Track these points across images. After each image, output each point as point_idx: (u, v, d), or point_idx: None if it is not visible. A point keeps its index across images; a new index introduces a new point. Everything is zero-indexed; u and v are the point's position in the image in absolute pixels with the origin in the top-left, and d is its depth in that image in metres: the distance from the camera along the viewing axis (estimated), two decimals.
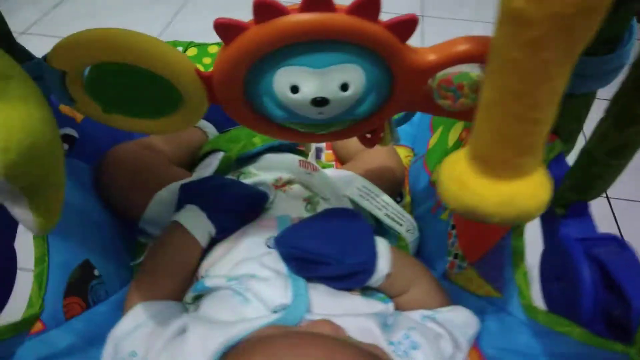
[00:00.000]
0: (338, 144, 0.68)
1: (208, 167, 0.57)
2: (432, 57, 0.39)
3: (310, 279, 0.42)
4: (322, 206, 0.53)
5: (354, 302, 0.42)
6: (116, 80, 0.41)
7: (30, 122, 0.27)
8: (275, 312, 0.39)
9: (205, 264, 0.47)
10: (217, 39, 0.38)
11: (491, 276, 0.46)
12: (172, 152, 0.61)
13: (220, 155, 0.58)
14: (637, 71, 0.28)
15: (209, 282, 0.42)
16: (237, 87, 0.41)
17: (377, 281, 0.43)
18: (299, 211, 0.51)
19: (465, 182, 0.30)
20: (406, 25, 0.37)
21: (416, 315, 0.42)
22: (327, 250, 0.41)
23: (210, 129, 0.69)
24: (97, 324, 0.45)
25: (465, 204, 0.30)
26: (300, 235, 0.42)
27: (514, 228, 0.45)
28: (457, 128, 0.60)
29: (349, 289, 0.43)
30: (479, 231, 0.48)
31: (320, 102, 0.39)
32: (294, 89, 0.38)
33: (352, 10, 0.35)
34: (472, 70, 0.42)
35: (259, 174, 0.55)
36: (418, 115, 0.57)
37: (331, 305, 0.40)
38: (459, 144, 0.58)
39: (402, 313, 0.43)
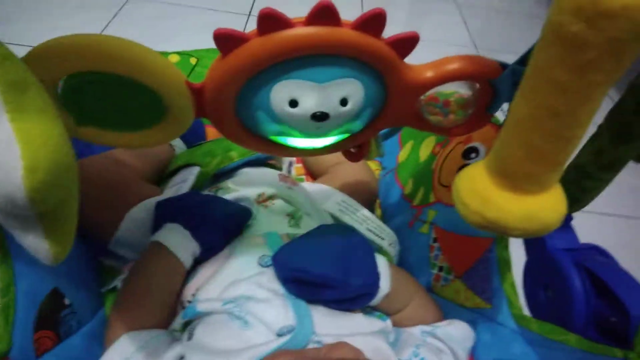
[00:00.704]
0: (309, 158, 0.68)
1: (183, 183, 0.54)
2: (429, 74, 0.39)
3: (310, 300, 0.40)
4: (305, 221, 0.51)
5: (355, 320, 0.41)
6: (95, 89, 0.38)
7: (52, 137, 0.24)
8: (280, 335, 0.37)
9: (190, 287, 0.44)
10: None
11: (479, 287, 0.47)
12: (139, 167, 0.57)
13: (195, 170, 0.55)
14: (636, 90, 0.30)
15: (201, 307, 0.40)
16: (230, 100, 0.39)
17: (377, 301, 0.43)
18: (282, 227, 0.50)
19: (488, 197, 0.30)
20: (407, 43, 0.37)
21: (415, 330, 0.42)
22: (331, 272, 0.39)
23: (178, 142, 0.65)
24: (73, 359, 0.41)
25: (488, 218, 0.30)
26: (299, 255, 0.40)
27: (499, 239, 0.46)
28: (429, 142, 0.62)
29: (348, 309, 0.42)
30: (464, 244, 0.49)
31: (320, 116, 0.38)
32: (293, 103, 0.37)
33: (358, 26, 0.35)
34: (446, 88, 0.44)
35: (238, 189, 0.53)
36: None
37: (334, 325, 0.39)
38: (431, 157, 0.59)
39: (402, 330, 0.42)
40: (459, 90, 0.43)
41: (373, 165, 0.72)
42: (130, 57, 0.35)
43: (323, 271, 0.39)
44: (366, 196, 0.61)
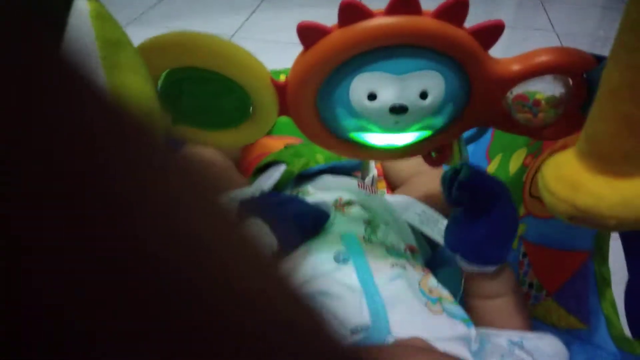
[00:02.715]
0: (389, 168, 0.67)
1: (269, 179, 0.56)
2: (516, 67, 0.38)
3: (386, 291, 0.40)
4: (382, 230, 0.50)
5: (436, 322, 0.39)
6: (190, 88, 0.41)
7: (143, 93, 0.26)
8: (353, 332, 0.36)
9: None
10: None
11: (573, 306, 0.42)
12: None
13: (282, 168, 0.57)
14: None
15: None
16: (311, 96, 0.40)
17: (482, 269, 0.44)
18: (359, 232, 0.49)
19: (578, 182, 0.28)
20: (491, 32, 0.36)
21: (502, 340, 0.39)
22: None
23: None
24: None
25: (579, 205, 0.27)
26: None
27: (596, 252, 0.42)
28: (520, 154, 0.58)
29: (426, 301, 0.40)
30: (557, 259, 0.45)
31: (398, 109, 0.38)
32: (372, 97, 0.38)
33: (439, 14, 0.35)
34: (537, 86, 0.41)
35: (316, 194, 0.54)
36: (472, 144, 0.55)
37: (412, 326, 0.37)
38: (522, 169, 0.56)
39: (487, 339, 0.39)
40: (550, 87, 0.41)
41: None
42: (222, 52, 0.38)
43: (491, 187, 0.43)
44: (446, 208, 0.58)
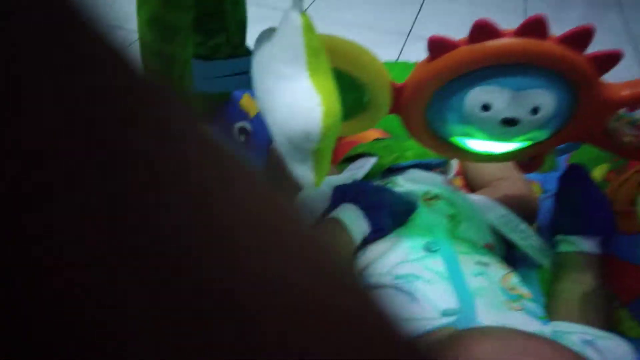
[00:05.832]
0: (471, 170, 0.70)
1: (360, 169, 0.61)
2: (625, 92, 0.41)
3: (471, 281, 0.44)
4: (463, 226, 0.54)
5: (515, 317, 0.43)
6: None
7: (336, 91, 0.31)
8: (445, 315, 0.41)
9: (357, 264, 0.49)
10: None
11: None
12: None
13: (372, 159, 0.61)
14: None
15: (371, 280, 0.45)
16: (425, 99, 0.44)
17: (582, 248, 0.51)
18: (442, 226, 0.53)
19: None
20: (609, 60, 0.39)
21: (575, 337, 0.42)
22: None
23: None
24: None
25: None
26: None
27: None
28: (601, 169, 0.61)
29: (506, 299, 0.44)
30: (635, 272, 0.48)
31: (510, 121, 0.41)
32: (485, 107, 0.41)
33: (564, 40, 0.38)
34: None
35: (406, 185, 0.58)
36: None
37: (495, 317, 0.41)
38: (603, 184, 0.58)
39: (561, 336, 0.43)
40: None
41: (535, 187, 0.72)
42: (357, 56, 0.42)
43: None
44: (526, 214, 0.61)
